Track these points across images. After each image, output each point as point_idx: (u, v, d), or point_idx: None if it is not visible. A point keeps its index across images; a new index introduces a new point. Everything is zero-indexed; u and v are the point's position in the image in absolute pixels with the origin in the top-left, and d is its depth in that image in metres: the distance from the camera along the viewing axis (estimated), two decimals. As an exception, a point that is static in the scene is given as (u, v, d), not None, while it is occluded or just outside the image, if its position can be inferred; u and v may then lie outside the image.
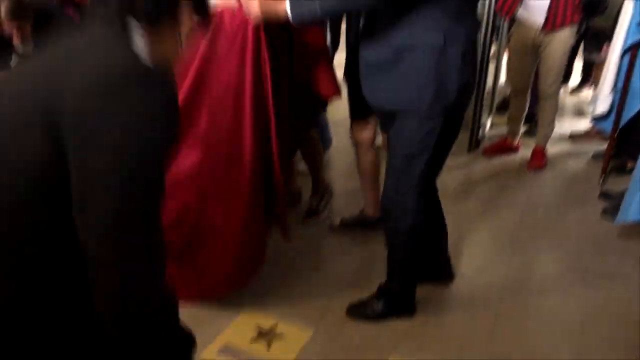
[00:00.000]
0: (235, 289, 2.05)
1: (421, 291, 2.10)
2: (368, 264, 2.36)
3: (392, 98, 1.75)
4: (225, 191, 1.87)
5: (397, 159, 1.82)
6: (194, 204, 1.86)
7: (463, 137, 3.67)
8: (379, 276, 2.07)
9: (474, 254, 2.51)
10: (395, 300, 2.04)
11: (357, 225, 2.61)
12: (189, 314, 2.02)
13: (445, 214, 2.11)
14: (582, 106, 4.63)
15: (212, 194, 1.87)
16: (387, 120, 1.89)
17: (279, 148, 1.91)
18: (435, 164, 1.86)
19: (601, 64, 4.01)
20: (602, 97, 3.07)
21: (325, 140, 3.44)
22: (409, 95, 1.69)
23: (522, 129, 3.66)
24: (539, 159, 3.39)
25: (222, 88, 1.81)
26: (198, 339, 1.90)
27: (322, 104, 2.38)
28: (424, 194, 1.87)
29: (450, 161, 3.53)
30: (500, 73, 4.03)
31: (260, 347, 1.90)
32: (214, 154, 1.84)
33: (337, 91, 2.24)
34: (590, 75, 4.98)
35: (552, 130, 3.39)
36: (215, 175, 1.85)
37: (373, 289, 2.09)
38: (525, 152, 3.57)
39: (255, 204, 1.94)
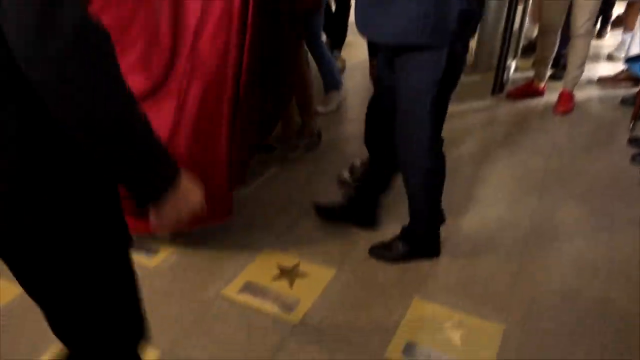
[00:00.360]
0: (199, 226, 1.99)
1: (446, 233, 2.07)
2: (388, 204, 2.31)
3: (392, 31, 1.63)
4: (206, 126, 1.81)
5: (403, 100, 1.75)
6: (176, 139, 1.78)
7: (487, 80, 3.56)
8: (400, 216, 2.03)
9: (499, 197, 2.45)
10: (419, 242, 2.00)
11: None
12: (209, 255, 2.04)
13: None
14: (606, 50, 4.45)
15: (194, 129, 1.79)
16: (386, 59, 1.80)
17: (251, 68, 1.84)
18: (441, 105, 1.77)
19: (634, 4, 3.82)
20: (637, 39, 2.91)
21: (334, 80, 3.32)
22: (409, 26, 1.58)
23: (548, 72, 3.51)
24: (566, 102, 3.27)
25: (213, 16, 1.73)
26: (220, 277, 1.91)
27: (300, 15, 2.26)
28: (436, 136, 1.80)
29: (473, 104, 3.49)
30: (526, 14, 3.85)
31: (283, 285, 1.88)
32: (199, 87, 1.77)
33: (316, 2, 2.17)
34: (609, 17, 4.78)
35: (582, 73, 3.25)
36: (198, 108, 1.78)
37: (393, 228, 2.06)
38: (550, 96, 3.45)
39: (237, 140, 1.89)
